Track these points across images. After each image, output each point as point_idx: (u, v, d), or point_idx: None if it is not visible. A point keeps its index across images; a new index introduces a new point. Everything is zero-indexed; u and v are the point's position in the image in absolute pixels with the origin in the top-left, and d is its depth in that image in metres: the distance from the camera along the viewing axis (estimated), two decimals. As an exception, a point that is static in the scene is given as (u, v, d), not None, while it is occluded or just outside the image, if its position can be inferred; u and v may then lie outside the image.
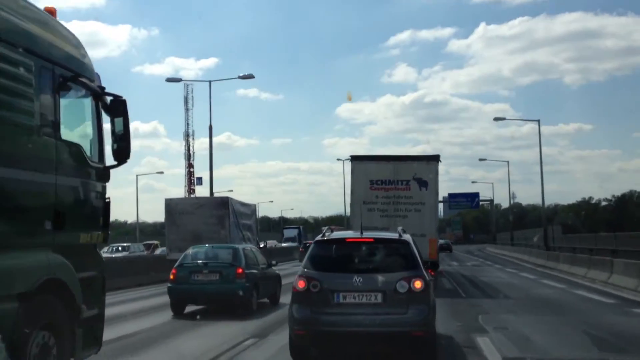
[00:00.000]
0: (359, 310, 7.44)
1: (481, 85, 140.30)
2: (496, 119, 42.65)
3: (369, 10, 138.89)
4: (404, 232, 8.38)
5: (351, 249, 8.16)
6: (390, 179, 18.85)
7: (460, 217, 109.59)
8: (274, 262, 15.29)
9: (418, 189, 18.68)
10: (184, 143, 73.37)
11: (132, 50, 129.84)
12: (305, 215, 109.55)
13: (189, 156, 73.77)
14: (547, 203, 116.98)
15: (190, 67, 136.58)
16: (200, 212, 22.44)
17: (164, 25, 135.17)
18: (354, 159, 19.67)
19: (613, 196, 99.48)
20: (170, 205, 22.93)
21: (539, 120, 40.11)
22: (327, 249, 8.16)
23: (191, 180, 72.66)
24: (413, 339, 7.52)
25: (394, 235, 8.29)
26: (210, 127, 33.14)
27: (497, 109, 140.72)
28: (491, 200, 76.89)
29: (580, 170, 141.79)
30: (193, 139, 75.37)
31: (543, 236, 38.97)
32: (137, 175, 73.27)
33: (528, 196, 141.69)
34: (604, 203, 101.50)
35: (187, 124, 73.51)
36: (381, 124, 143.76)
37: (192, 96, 72.02)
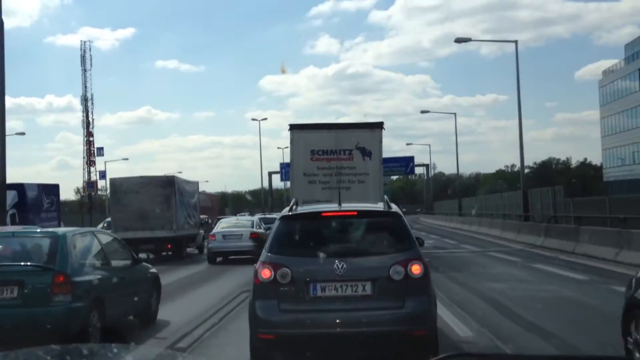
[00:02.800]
0: (343, 306, 6.16)
1: (402, 56, 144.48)
2: (422, 112, 47.62)
3: None
4: (389, 202, 7.01)
5: (328, 225, 6.85)
6: (332, 149, 18.04)
7: (388, 186, 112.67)
8: (143, 255, 11.33)
9: (361, 159, 17.96)
10: (80, 108, 68.97)
11: (44, 19, 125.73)
12: (230, 189, 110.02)
13: (87, 124, 69.24)
14: (467, 172, 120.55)
15: (106, 38, 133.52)
16: (145, 191, 23.28)
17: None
18: (293, 127, 18.50)
19: (535, 163, 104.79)
20: (115, 185, 23.78)
21: (455, 114, 50.30)
22: (296, 227, 6.78)
23: (91, 150, 68.49)
24: (413, 340, 6.25)
25: (379, 207, 7.07)
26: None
27: (418, 80, 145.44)
28: (427, 165, 73.24)
29: (497, 140, 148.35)
30: (92, 103, 70.28)
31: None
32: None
33: (449, 166, 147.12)
34: (526, 170, 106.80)
35: (85, 87, 69.24)
36: (304, 96, 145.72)
37: (91, 55, 68.79)
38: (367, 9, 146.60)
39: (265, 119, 62.71)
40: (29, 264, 7.78)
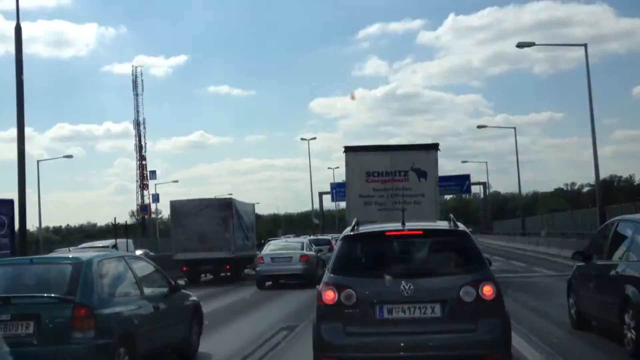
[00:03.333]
0: (412, 329, 5.96)
1: (452, 76, 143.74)
2: (479, 127, 46.05)
3: (337, 3, 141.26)
4: (456, 220, 6.74)
5: (393, 245, 6.64)
6: (387, 170, 18.52)
7: (442, 206, 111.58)
8: (182, 282, 9.09)
9: (417, 180, 18.36)
10: (134, 133, 69.28)
11: (100, 49, 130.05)
12: (282, 211, 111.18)
13: (140, 147, 69.08)
14: (524, 191, 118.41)
15: (160, 65, 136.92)
16: (204, 213, 23.99)
17: (131, 23, 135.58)
18: (348, 149, 19.19)
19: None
20: (175, 207, 24.58)
21: (514, 128, 47.63)
22: (359, 247, 6.65)
23: (144, 174, 68.49)
24: None
25: (445, 226, 6.78)
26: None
27: (470, 99, 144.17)
28: (484, 183, 70.62)
29: (554, 159, 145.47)
30: (145, 128, 70.86)
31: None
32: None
33: (504, 186, 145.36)
34: (586, 188, 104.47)
35: (137, 111, 69.34)
36: (354, 117, 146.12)
37: (142, 80, 69.57)
38: (415, 30, 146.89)
39: (314, 138, 62.53)
40: (45, 295, 6.67)
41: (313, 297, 6.78)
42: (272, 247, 22.31)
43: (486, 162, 72.84)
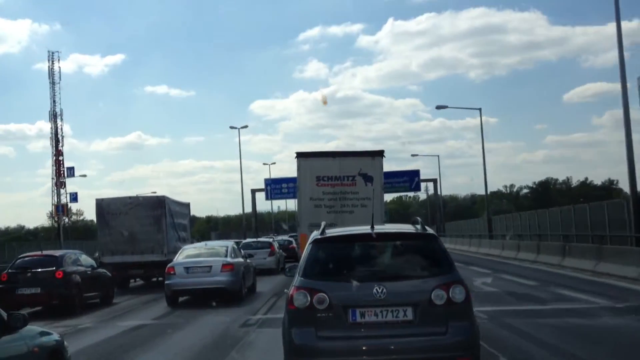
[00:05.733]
0: (384, 332, 6.05)
1: (391, 80, 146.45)
2: (438, 107, 44.30)
3: (279, 6, 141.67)
4: (424, 224, 6.84)
5: (363, 248, 6.73)
6: (336, 175, 19.90)
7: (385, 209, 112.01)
8: (22, 314, 6.12)
9: (364, 184, 19.69)
10: (45, 124, 68.08)
11: (33, 46, 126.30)
12: (222, 213, 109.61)
13: (57, 141, 65.05)
14: (463, 194, 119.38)
15: (96, 64, 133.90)
16: (134, 212, 22.68)
17: (65, 20, 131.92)
18: (300, 155, 20.54)
19: (534, 183, 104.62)
20: (102, 206, 23.06)
21: (480, 109, 43.80)
22: (330, 250, 6.66)
23: (60, 171, 64.14)
24: None
25: (412, 229, 6.86)
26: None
27: (408, 103, 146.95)
28: (434, 180, 65.04)
29: (489, 162, 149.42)
30: (62, 119, 66.90)
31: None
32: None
33: (443, 189, 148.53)
34: (524, 190, 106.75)
35: (53, 101, 65.47)
36: (294, 120, 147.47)
37: (60, 67, 66.04)
38: (354, 34, 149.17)
39: (246, 126, 61.03)
40: None
41: (236, 319, 5.91)
42: (187, 253, 17.93)
43: (438, 156, 65.73)
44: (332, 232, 6.93)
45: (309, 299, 6.11)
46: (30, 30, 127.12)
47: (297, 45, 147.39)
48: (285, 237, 39.92)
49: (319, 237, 6.64)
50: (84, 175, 64.44)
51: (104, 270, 18.96)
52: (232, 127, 58.74)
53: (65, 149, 66.04)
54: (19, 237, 74.12)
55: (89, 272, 17.55)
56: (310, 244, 6.67)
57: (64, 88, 68.84)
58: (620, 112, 21.10)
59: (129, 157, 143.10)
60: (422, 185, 65.36)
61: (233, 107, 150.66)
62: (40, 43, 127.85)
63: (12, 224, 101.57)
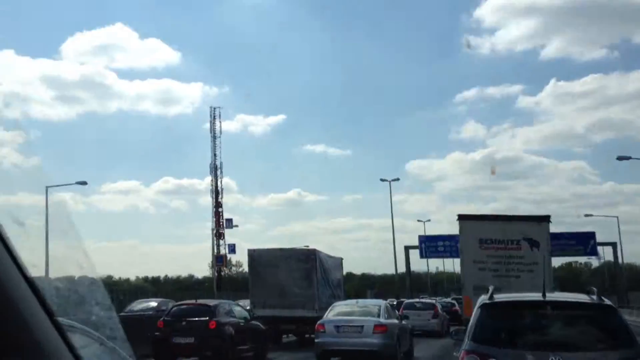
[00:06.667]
0: None
1: (553, 142, 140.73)
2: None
3: (435, 69, 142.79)
4: (598, 293, 6.61)
5: (534, 316, 6.51)
6: (499, 239, 19.51)
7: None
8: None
9: (529, 249, 19.19)
10: (210, 178, 66.21)
11: (204, 107, 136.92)
12: (379, 272, 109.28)
13: (217, 193, 66.43)
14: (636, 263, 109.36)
15: (259, 124, 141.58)
16: (285, 265, 22.37)
17: (233, 83, 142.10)
18: (462, 217, 20.45)
19: None
20: (254, 257, 23.03)
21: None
22: (499, 315, 6.60)
23: (219, 222, 65.53)
24: None
25: (587, 299, 6.58)
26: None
27: (573, 166, 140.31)
28: (614, 244, 55.80)
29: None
30: (222, 172, 67.80)
31: None
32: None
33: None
34: None
35: (214, 154, 66.50)
36: (451, 180, 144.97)
37: (220, 122, 66.94)
38: (514, 94, 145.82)
39: (397, 179, 59.64)
40: None
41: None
42: (338, 310, 17.17)
43: (617, 217, 55.32)
44: (500, 297, 6.80)
45: None
46: (202, 92, 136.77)
47: (454, 106, 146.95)
48: (448, 299, 38.58)
49: (488, 301, 6.53)
50: (236, 226, 65.89)
51: (258, 323, 18.41)
52: (382, 180, 57.15)
53: (232, 203, 68.42)
54: (188, 287, 77.96)
55: (242, 324, 17.18)
56: (478, 308, 6.56)
57: (229, 145, 71.64)
58: None
59: (289, 213, 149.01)
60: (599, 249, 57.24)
61: (389, 166, 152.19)
62: (211, 104, 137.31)
63: (184, 273, 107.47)
